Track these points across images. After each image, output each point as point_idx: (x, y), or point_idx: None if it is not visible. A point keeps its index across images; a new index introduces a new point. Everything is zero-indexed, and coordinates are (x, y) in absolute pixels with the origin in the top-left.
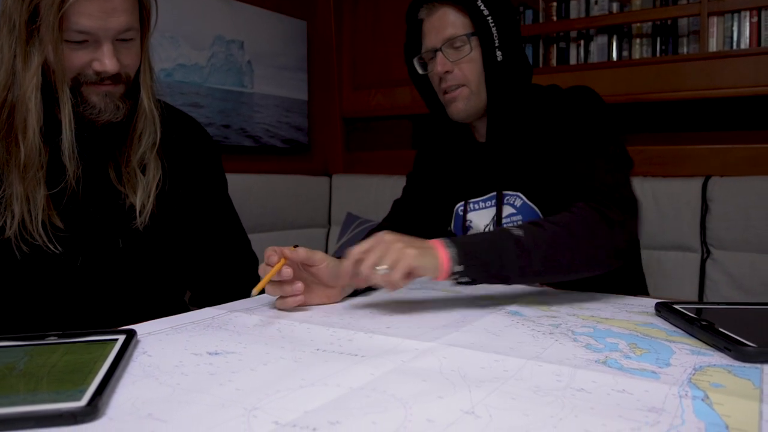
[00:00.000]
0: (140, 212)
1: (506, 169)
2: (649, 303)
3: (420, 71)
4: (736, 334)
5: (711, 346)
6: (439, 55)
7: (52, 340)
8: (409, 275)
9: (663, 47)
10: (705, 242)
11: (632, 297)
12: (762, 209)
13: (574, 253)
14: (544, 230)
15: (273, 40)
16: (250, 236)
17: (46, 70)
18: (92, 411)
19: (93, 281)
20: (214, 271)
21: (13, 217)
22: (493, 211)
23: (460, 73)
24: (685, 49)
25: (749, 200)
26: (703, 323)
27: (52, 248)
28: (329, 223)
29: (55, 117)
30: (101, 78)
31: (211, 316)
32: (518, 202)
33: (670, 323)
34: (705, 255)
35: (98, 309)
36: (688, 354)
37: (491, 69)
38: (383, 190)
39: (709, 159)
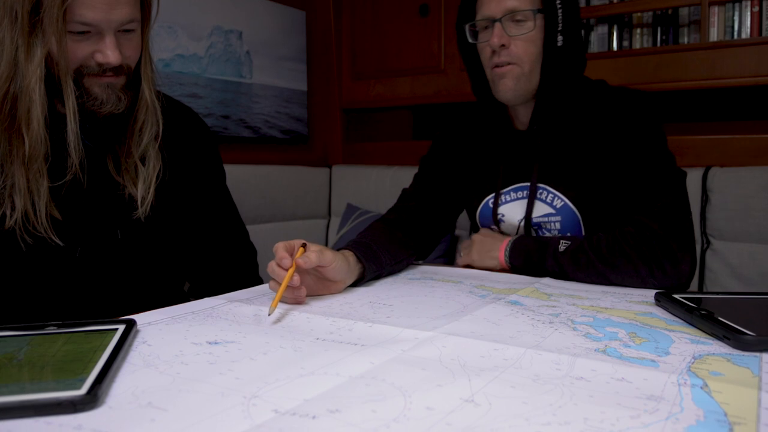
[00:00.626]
0: (141, 203)
1: (545, 160)
2: (649, 293)
3: (470, 39)
4: (735, 323)
5: (710, 335)
6: (497, 26)
7: (52, 329)
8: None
9: (663, 37)
10: (705, 233)
11: (632, 287)
12: (762, 200)
13: (608, 281)
14: (587, 258)
15: (272, 30)
16: (250, 227)
17: (48, 62)
18: (92, 400)
19: (92, 272)
20: (212, 262)
21: (13, 208)
22: (525, 203)
23: (515, 50)
24: (685, 39)
25: (749, 191)
26: (703, 312)
27: (56, 240)
28: (329, 214)
29: (55, 109)
30: (103, 69)
31: (211, 306)
32: (558, 203)
33: (670, 313)
34: (705, 245)
35: (98, 299)
36: (687, 343)
37: (550, 53)
38: (383, 181)
39: (709, 149)
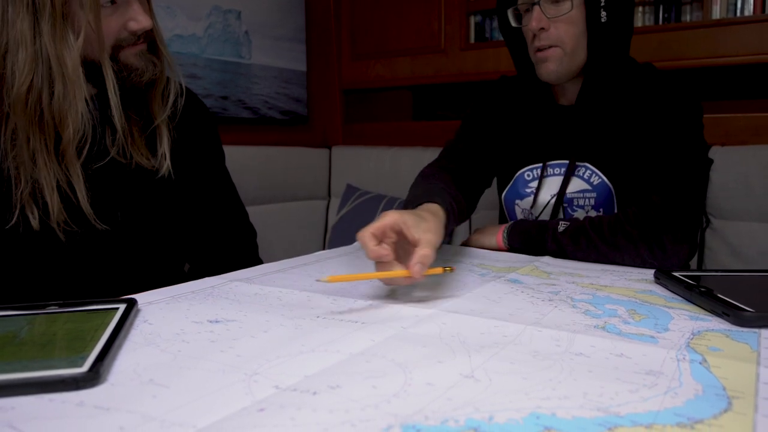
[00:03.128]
0: (160, 164)
1: (588, 138)
2: (648, 271)
3: (513, 23)
4: (734, 300)
5: (709, 312)
6: (536, 9)
7: (53, 309)
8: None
9: (666, 15)
10: (705, 211)
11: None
12: (762, 179)
13: (607, 260)
14: (588, 237)
15: (270, 9)
16: (250, 209)
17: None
18: (94, 377)
19: (92, 254)
20: (212, 243)
21: (38, 208)
22: (561, 180)
23: (555, 32)
24: (688, 17)
25: (750, 169)
26: (702, 289)
27: (101, 225)
28: (329, 195)
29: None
30: (138, 37)
31: (212, 285)
32: (596, 180)
33: (669, 290)
34: (705, 224)
35: (98, 281)
36: (686, 319)
37: (594, 31)
38: (383, 162)
39: (710, 128)
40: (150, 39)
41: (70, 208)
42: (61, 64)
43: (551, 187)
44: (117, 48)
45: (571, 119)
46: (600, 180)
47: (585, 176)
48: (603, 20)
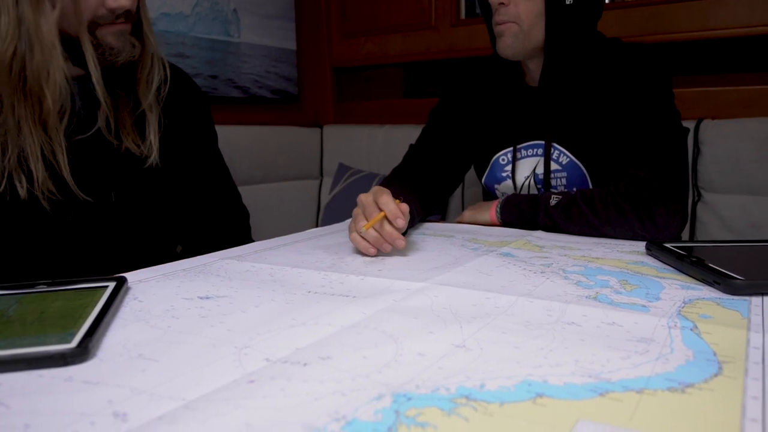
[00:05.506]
0: (150, 151)
1: (556, 118)
2: (640, 243)
3: None
4: (725, 269)
5: (700, 281)
6: None
7: (42, 288)
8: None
9: None
10: (696, 185)
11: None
12: (753, 152)
13: (599, 233)
14: (579, 210)
15: None
16: (242, 189)
17: (58, 21)
18: (82, 352)
19: (84, 235)
20: (204, 225)
21: (28, 173)
22: (535, 161)
23: (513, 8)
24: None
25: (740, 143)
26: (693, 259)
27: (82, 196)
28: (321, 174)
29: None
30: (116, 16)
31: (202, 263)
32: (564, 159)
33: (661, 261)
34: (696, 198)
35: (89, 262)
36: (677, 289)
37: (555, 13)
38: (375, 140)
39: (701, 102)
40: (134, 20)
41: (55, 178)
42: (38, 32)
43: (524, 169)
44: (94, 24)
45: (537, 99)
46: (568, 159)
47: (554, 156)
48: (569, 2)
